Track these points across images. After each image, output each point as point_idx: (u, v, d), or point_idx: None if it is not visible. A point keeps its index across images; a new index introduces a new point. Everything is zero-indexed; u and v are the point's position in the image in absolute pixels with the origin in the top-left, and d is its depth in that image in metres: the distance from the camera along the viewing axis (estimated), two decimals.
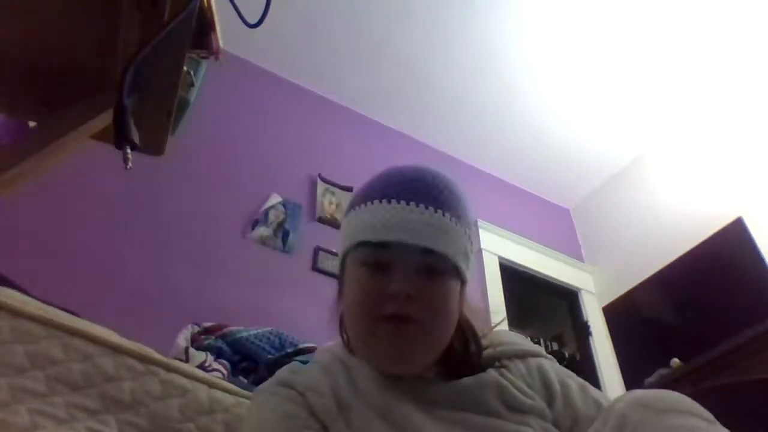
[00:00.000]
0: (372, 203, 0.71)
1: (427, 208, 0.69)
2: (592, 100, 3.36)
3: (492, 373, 0.72)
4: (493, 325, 0.84)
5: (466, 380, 0.71)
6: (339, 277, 0.78)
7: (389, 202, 0.70)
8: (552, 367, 0.77)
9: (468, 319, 0.75)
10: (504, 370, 0.74)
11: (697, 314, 2.85)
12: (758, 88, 3.07)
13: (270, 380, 0.76)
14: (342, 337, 0.78)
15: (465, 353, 0.74)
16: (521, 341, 0.83)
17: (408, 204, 0.69)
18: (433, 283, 0.68)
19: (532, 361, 0.77)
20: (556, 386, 0.74)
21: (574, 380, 0.76)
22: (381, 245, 0.68)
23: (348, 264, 0.73)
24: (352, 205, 0.75)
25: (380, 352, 0.69)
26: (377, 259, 0.69)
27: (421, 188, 0.71)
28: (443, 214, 0.70)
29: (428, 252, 0.67)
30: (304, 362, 1.39)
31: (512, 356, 0.77)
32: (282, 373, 0.76)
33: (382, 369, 0.71)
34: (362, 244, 0.70)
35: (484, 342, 0.77)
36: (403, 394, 0.69)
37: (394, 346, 0.67)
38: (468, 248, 0.72)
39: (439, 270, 0.69)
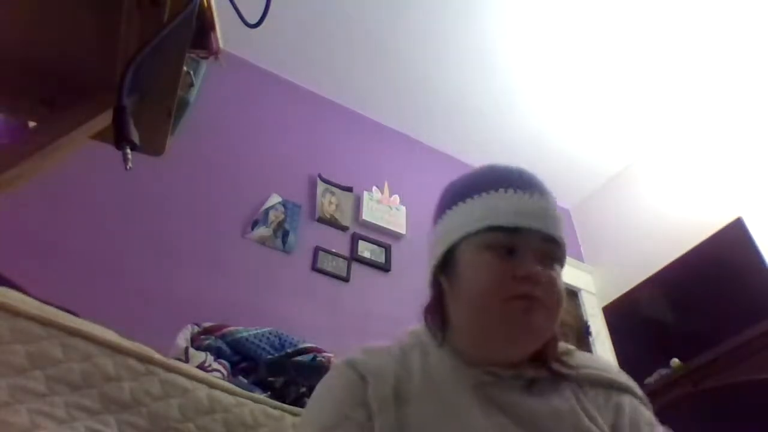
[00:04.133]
0: (500, 191, 0.74)
1: (547, 200, 0.75)
2: (592, 100, 3.36)
3: (569, 398, 0.71)
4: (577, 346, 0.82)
5: (539, 405, 0.70)
6: (441, 266, 0.77)
7: (516, 191, 0.74)
8: (633, 407, 0.74)
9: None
10: (581, 395, 0.73)
11: (697, 314, 2.84)
12: (758, 88, 3.07)
13: (346, 356, 0.77)
14: (431, 328, 0.78)
15: (549, 347, 0.75)
16: (613, 370, 0.79)
17: (533, 195, 0.74)
18: (551, 269, 0.72)
19: (615, 396, 0.74)
20: (626, 429, 0.70)
21: (651, 428, 0.72)
22: (511, 230, 0.71)
23: (465, 249, 0.74)
24: (466, 195, 0.77)
25: (510, 328, 0.70)
26: (506, 243, 0.71)
27: (536, 182, 0.77)
28: (557, 207, 0.76)
29: (549, 239, 0.72)
30: (306, 362, 1.38)
31: (595, 383, 0.75)
32: (357, 351, 0.77)
33: (497, 349, 0.73)
34: (490, 229, 0.72)
35: (571, 359, 0.77)
36: (474, 390, 0.70)
37: (526, 321, 0.69)
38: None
39: (554, 256, 0.73)
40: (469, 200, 0.76)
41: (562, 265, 0.75)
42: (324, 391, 0.75)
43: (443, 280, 0.77)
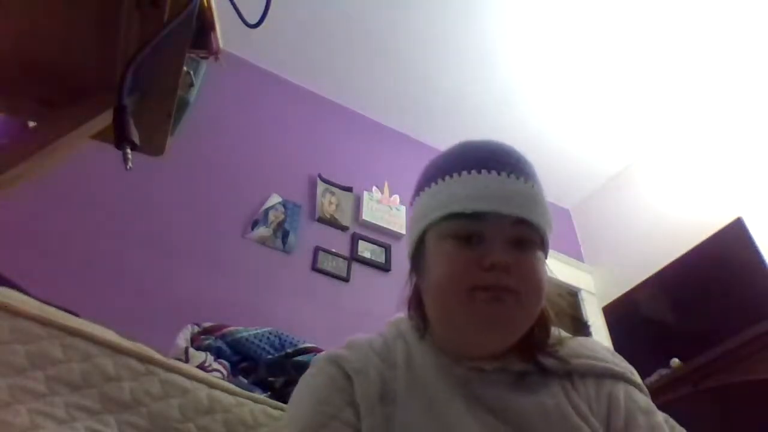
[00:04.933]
0: (460, 174, 0.68)
1: (518, 178, 0.68)
2: (592, 100, 3.36)
3: (557, 394, 0.67)
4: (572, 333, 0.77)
5: (526, 402, 0.66)
6: (414, 256, 0.74)
7: (479, 172, 0.68)
8: (627, 395, 0.68)
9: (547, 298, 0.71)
10: (571, 389, 0.68)
11: (697, 314, 2.84)
12: (758, 89, 3.07)
13: (327, 352, 0.74)
14: (413, 319, 0.75)
15: (537, 338, 0.70)
16: (606, 357, 0.73)
17: (499, 174, 0.67)
18: (525, 255, 0.66)
19: (608, 384, 0.69)
20: (620, 420, 0.65)
21: (648, 417, 0.66)
22: (474, 216, 0.65)
23: (430, 239, 0.70)
24: (432, 179, 0.72)
25: (476, 320, 0.65)
26: (469, 230, 0.66)
27: (509, 159, 0.70)
28: (533, 186, 0.69)
29: (521, 222, 0.66)
30: (306, 362, 1.38)
31: (586, 374, 0.70)
32: (339, 346, 0.74)
33: (469, 343, 0.69)
34: (451, 216, 0.67)
35: (561, 350, 0.72)
36: (458, 387, 0.67)
37: (493, 312, 0.64)
38: (552, 221, 0.71)
39: (530, 241, 0.67)
40: (433, 185, 0.71)
41: (545, 250, 0.69)
42: (308, 388, 0.71)
43: (418, 271, 0.74)
